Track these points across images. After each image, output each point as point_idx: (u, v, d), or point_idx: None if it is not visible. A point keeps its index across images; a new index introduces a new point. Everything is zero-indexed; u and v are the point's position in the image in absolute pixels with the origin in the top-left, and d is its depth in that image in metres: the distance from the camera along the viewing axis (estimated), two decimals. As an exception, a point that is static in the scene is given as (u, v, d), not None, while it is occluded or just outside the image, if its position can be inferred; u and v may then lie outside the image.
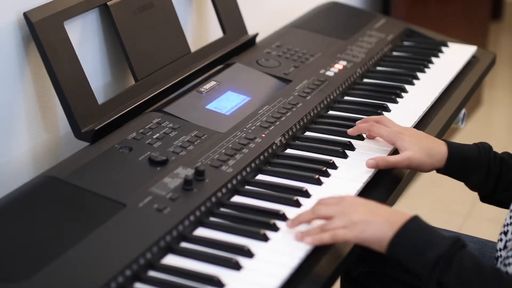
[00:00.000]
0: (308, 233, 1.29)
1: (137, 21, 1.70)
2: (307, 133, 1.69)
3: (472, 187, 1.56)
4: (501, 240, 1.40)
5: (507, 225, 1.38)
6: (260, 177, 1.50)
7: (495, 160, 1.52)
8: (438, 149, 1.52)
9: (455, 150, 1.53)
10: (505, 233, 1.38)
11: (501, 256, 1.38)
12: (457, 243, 1.22)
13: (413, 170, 1.58)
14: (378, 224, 1.25)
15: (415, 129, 1.60)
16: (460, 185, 1.60)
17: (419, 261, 1.22)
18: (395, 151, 1.59)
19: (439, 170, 1.55)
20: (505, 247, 1.37)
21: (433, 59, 2.11)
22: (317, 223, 1.32)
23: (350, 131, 1.63)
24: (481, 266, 1.20)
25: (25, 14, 1.47)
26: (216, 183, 1.41)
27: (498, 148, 1.61)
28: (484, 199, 1.57)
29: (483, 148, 1.53)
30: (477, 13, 3.73)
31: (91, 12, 1.64)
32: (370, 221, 1.26)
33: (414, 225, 1.25)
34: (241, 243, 1.27)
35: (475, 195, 1.60)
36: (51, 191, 1.34)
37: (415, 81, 1.97)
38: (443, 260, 1.20)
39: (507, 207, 1.54)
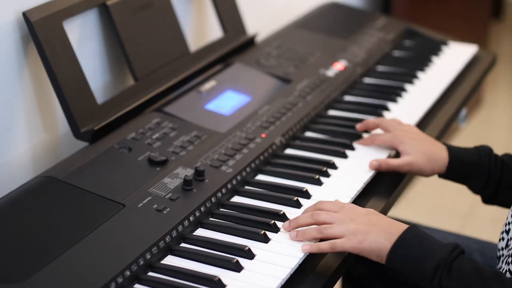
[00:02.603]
0: (304, 236, 1.28)
1: (136, 20, 1.69)
2: (307, 133, 1.68)
3: (474, 191, 1.56)
4: (502, 239, 1.39)
5: (509, 223, 1.38)
6: (260, 177, 1.50)
7: (495, 163, 1.52)
8: (439, 154, 1.52)
9: (455, 154, 1.52)
10: (507, 231, 1.37)
11: (503, 255, 1.38)
12: (455, 250, 1.22)
13: (414, 174, 1.58)
14: (376, 235, 1.24)
15: (416, 130, 1.59)
16: (461, 186, 1.60)
17: (419, 270, 1.21)
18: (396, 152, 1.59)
19: (440, 175, 1.55)
20: (507, 245, 1.37)
21: (434, 58, 2.11)
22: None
23: (359, 126, 1.64)
24: (481, 270, 1.20)
25: (24, 14, 1.46)
26: (216, 183, 1.40)
27: (499, 147, 1.61)
28: (486, 201, 1.57)
29: (484, 152, 1.53)
30: (477, 12, 3.73)
31: (90, 11, 1.64)
32: (368, 231, 1.25)
33: (412, 235, 1.24)
34: (242, 243, 1.27)
35: (475, 196, 1.59)
36: (50, 192, 1.33)
37: (415, 80, 1.97)
38: (443, 267, 1.20)
39: (509, 207, 1.54)
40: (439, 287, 1.20)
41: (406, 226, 1.26)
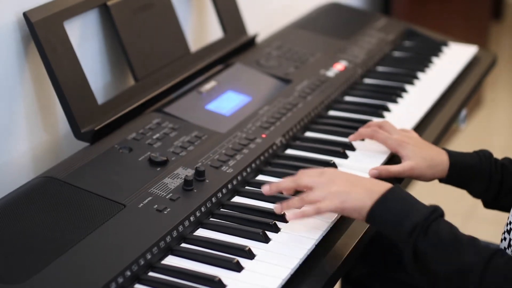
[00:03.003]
0: (288, 206, 1.30)
1: (137, 21, 1.70)
2: (308, 134, 1.68)
3: (474, 195, 1.56)
4: (504, 239, 1.39)
5: (510, 223, 1.38)
6: (261, 177, 1.50)
7: (496, 167, 1.52)
8: (440, 159, 1.52)
9: (456, 159, 1.52)
10: (509, 231, 1.37)
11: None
12: (435, 212, 1.23)
13: (414, 179, 1.57)
14: (358, 193, 1.26)
15: (417, 136, 1.59)
16: (461, 186, 1.59)
17: (396, 229, 1.23)
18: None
19: (441, 180, 1.54)
20: (509, 245, 1.37)
21: (434, 59, 2.11)
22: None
23: (351, 137, 1.62)
24: (457, 235, 1.21)
25: (24, 14, 1.46)
26: (216, 184, 1.40)
27: (499, 148, 1.61)
28: (487, 205, 1.57)
29: (484, 156, 1.53)
30: (477, 13, 3.73)
31: (91, 12, 1.64)
32: (350, 191, 1.27)
33: (394, 195, 1.26)
34: (242, 243, 1.27)
35: (475, 196, 1.59)
36: (50, 192, 1.33)
37: (415, 81, 1.97)
38: (420, 228, 1.21)
39: (510, 211, 1.54)
40: (412, 248, 1.20)
41: (389, 185, 1.27)
